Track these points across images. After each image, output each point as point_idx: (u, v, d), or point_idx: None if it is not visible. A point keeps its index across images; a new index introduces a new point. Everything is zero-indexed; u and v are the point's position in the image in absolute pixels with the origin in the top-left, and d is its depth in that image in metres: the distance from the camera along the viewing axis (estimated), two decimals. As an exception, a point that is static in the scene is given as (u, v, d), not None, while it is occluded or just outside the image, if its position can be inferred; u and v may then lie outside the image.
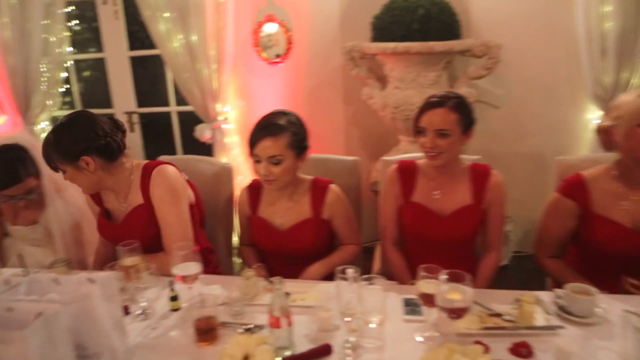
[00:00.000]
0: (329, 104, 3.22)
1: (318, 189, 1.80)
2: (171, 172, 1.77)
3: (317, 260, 1.79)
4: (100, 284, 1.15)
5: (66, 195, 2.06)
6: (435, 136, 1.61)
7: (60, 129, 1.66)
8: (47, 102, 3.51)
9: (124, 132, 1.75)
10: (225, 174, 2.16)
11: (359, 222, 2.02)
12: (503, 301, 1.40)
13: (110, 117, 1.75)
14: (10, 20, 3.26)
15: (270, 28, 3.13)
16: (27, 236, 2.13)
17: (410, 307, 1.42)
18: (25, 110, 3.48)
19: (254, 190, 1.87)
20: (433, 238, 1.72)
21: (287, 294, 1.45)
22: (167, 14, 3.04)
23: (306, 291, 1.51)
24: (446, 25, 2.60)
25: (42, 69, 3.41)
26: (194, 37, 3.04)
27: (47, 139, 1.66)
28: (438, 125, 1.60)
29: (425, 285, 1.25)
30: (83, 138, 1.62)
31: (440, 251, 1.70)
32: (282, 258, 1.84)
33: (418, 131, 1.66)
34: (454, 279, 1.18)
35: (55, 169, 1.70)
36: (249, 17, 3.15)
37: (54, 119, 3.73)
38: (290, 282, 1.55)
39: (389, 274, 1.78)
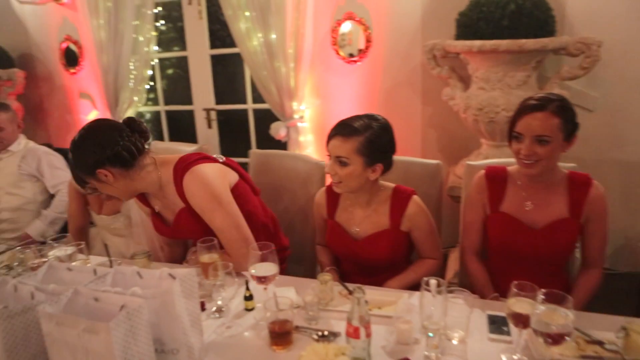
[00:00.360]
0: (406, 105, 3.12)
1: (399, 199, 1.71)
2: (202, 173, 1.65)
3: (393, 270, 1.72)
4: (180, 280, 1.15)
5: None
6: (534, 143, 1.47)
7: (73, 146, 1.61)
8: (134, 98, 3.70)
9: (141, 132, 1.65)
10: (317, 171, 2.15)
11: (438, 230, 1.92)
12: (604, 327, 1.26)
13: (129, 118, 1.67)
14: (105, 22, 3.47)
15: (349, 26, 3.08)
16: (109, 225, 2.25)
17: (496, 325, 1.31)
18: (114, 105, 3.69)
19: (333, 192, 1.81)
20: (522, 252, 1.59)
21: (365, 302, 1.40)
22: (247, 13, 3.08)
23: (384, 300, 1.44)
24: (539, 22, 2.41)
25: (130, 67, 3.59)
26: (273, 36, 3.06)
27: (68, 157, 1.65)
28: (537, 130, 1.46)
29: (517, 303, 1.14)
30: (90, 153, 1.57)
31: (530, 267, 1.56)
32: (356, 265, 1.78)
33: (513, 136, 1.53)
34: (553, 300, 1.06)
35: (85, 184, 1.68)
36: (328, 15, 3.12)
37: (138, 115, 3.93)
38: (369, 289, 1.49)
39: (466, 285, 1.68)
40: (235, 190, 1.73)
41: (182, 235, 1.87)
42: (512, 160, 1.61)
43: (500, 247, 1.64)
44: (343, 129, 1.62)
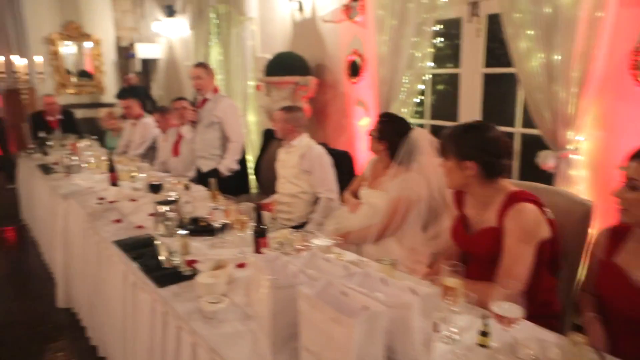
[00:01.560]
0: None
1: None
2: (531, 211, 1.72)
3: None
4: (422, 298, 1.17)
5: (412, 176, 2.36)
6: None
7: (469, 128, 1.82)
8: (402, 110, 3.91)
9: (511, 159, 1.81)
10: (580, 211, 1.95)
11: None
12: None
13: (510, 152, 1.83)
14: (388, 38, 3.77)
15: (657, 48, 2.59)
16: (370, 198, 2.50)
17: None
18: (383, 115, 3.98)
19: (618, 233, 1.61)
20: None
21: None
22: (530, 32, 2.89)
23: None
24: None
25: (404, 80, 3.81)
26: (557, 57, 2.79)
27: (456, 128, 1.85)
28: None
29: None
30: (479, 147, 1.75)
31: None
32: (632, 324, 1.50)
33: None
34: None
35: (442, 153, 1.87)
36: (631, 34, 2.68)
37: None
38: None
39: None
40: (539, 246, 1.72)
41: (472, 248, 1.94)
42: None
43: None
44: None
